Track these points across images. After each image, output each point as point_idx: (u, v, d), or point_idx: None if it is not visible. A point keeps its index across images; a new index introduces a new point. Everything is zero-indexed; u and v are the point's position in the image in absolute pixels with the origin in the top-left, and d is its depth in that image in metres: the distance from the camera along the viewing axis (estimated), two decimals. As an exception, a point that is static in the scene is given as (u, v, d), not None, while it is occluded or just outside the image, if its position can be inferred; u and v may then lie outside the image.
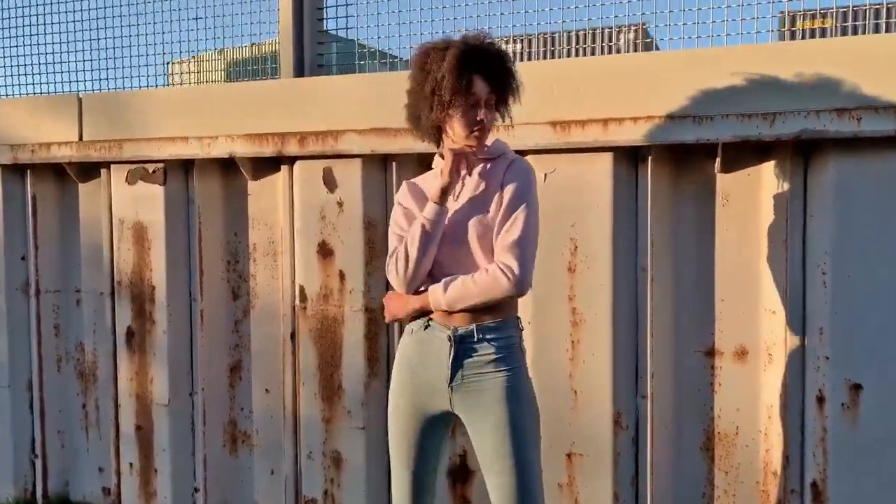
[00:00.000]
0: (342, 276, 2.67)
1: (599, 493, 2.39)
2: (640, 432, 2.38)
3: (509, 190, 1.79)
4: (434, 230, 1.80)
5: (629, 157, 2.34)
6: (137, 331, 3.04)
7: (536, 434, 1.85)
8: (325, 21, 2.89)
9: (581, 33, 3.37)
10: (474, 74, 1.76)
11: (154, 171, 2.95)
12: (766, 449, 2.29)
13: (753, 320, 2.28)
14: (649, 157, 2.28)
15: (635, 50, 3.16)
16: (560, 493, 2.43)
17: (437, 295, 1.79)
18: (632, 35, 3.20)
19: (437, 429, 1.92)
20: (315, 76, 2.89)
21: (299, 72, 2.86)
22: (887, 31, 2.53)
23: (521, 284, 1.74)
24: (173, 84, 3.71)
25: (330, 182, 2.68)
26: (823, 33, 2.65)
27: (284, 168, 2.81)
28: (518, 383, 1.81)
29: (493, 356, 1.81)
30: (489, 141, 1.89)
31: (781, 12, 2.59)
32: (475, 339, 1.80)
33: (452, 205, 1.86)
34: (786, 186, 2.18)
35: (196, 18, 3.23)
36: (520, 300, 1.87)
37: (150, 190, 2.97)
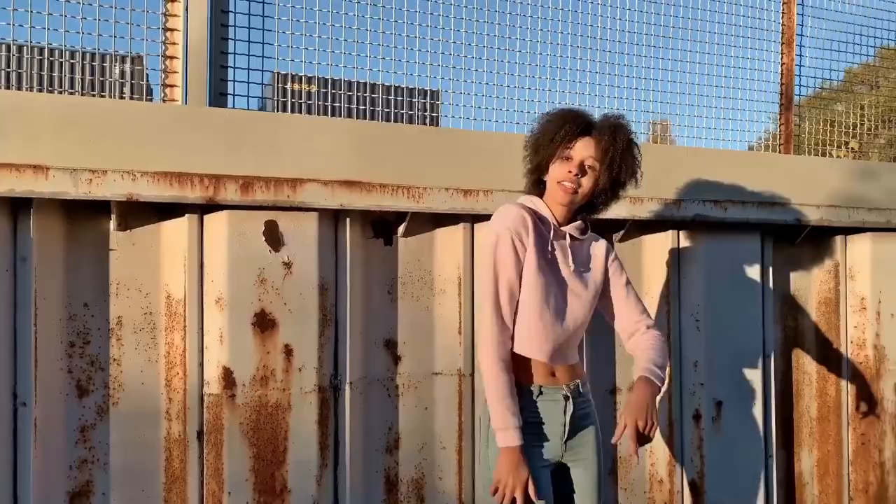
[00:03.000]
0: (289, 351, 2.22)
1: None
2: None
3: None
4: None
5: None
6: None
7: None
8: (232, 42, 2.34)
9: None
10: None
11: (-38, 213, 1.90)
12: (651, 463, 2.86)
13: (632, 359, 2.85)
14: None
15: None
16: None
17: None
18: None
19: None
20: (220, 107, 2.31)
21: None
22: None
23: None
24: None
25: (274, 239, 2.20)
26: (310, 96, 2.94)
27: (189, 217, 2.18)
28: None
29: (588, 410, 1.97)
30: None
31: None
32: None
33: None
34: (666, 255, 2.82)
35: None
36: None
37: (-52, 241, 1.89)
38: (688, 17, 3.32)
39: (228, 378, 2.16)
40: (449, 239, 2.51)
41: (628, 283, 2.02)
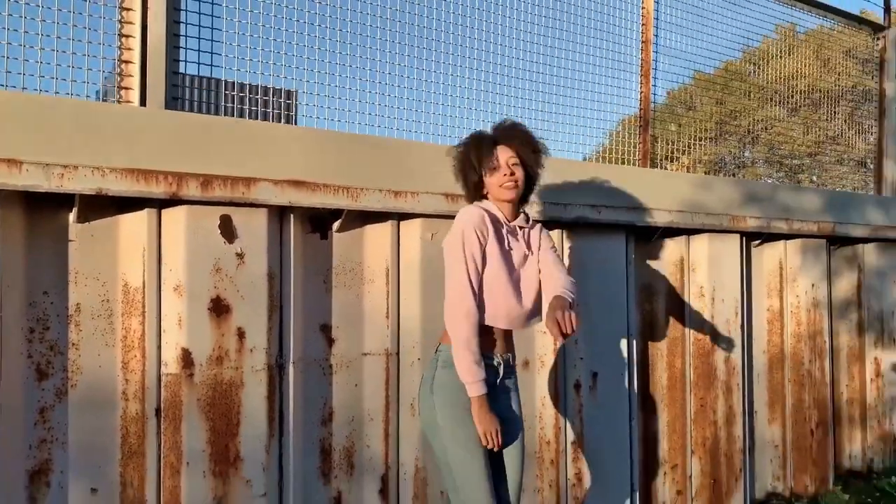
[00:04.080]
0: (241, 333, 2.45)
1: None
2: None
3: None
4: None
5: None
6: None
7: None
8: (183, 50, 2.52)
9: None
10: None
11: (-67, 203, 1.97)
12: (540, 427, 3.35)
13: (531, 340, 3.33)
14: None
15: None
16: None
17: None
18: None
19: None
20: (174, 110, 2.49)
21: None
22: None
23: None
24: None
25: (229, 232, 2.43)
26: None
27: (149, 211, 2.35)
28: None
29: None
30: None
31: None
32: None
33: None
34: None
35: None
36: None
37: (-81, 230, 1.96)
38: (562, 49, 3.88)
39: (187, 358, 2.37)
40: (377, 235, 2.85)
41: (553, 249, 2.45)
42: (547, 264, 2.38)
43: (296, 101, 3.22)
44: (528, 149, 2.34)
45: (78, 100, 2.41)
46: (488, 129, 2.38)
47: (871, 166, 5.76)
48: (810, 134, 5.44)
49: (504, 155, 2.30)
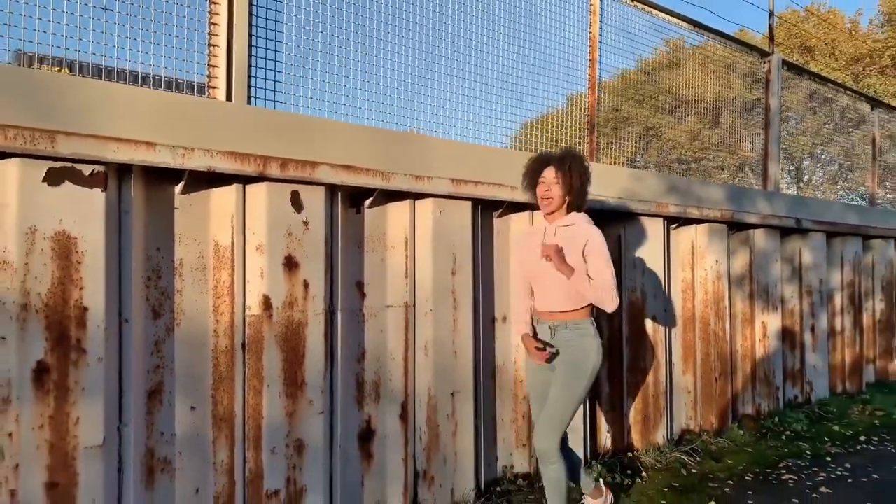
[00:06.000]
0: (306, 284, 3.09)
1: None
2: (472, 374, 3.86)
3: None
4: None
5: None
6: (55, 365, 2.43)
7: None
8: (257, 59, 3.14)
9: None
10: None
11: (93, 175, 2.51)
12: (514, 370, 4.14)
13: (505, 299, 4.11)
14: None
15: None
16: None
17: None
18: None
19: None
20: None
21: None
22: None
23: None
24: None
25: (297, 204, 3.07)
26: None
27: (237, 187, 2.96)
28: None
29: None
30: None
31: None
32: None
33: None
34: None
35: None
36: None
37: (81, 195, 2.49)
38: (521, 69, 4.69)
39: (267, 303, 2.99)
40: (399, 211, 3.56)
41: (592, 257, 3.16)
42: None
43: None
44: (569, 168, 3.15)
45: (189, 96, 2.98)
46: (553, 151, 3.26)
47: (749, 171, 6.96)
48: (696, 141, 6.47)
49: (548, 174, 3.16)
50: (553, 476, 3.08)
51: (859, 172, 8.17)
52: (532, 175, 3.21)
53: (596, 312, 3.29)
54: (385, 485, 3.50)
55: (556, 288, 3.14)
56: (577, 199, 3.20)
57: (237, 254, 2.98)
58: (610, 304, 3.04)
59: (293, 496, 3.03)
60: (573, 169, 3.15)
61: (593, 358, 3.12)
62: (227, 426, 2.97)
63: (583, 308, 3.16)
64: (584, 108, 4.66)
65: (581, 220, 3.20)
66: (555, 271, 3.10)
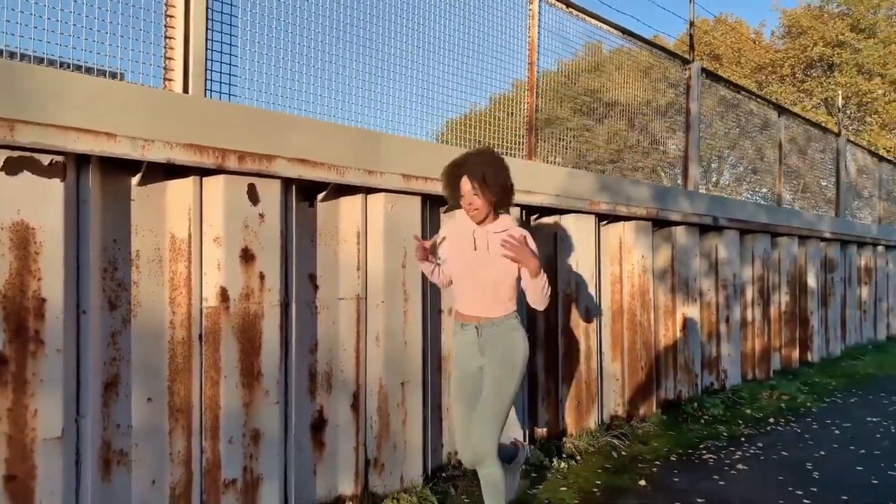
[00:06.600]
0: (262, 276, 3.13)
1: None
2: (419, 364, 3.98)
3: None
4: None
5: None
6: (12, 357, 2.39)
7: None
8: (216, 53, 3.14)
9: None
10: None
11: (52, 164, 2.48)
12: (459, 361, 4.29)
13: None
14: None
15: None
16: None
17: None
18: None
19: None
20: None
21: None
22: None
23: None
24: None
25: (254, 197, 3.10)
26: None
27: (194, 179, 2.97)
28: None
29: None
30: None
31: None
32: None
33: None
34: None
35: None
36: None
37: (40, 185, 2.46)
38: (468, 71, 4.85)
39: (224, 295, 3.02)
40: (351, 205, 3.64)
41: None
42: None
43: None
44: (486, 175, 2.96)
45: (150, 87, 2.96)
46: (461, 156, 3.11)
47: (662, 173, 7.37)
48: (612, 143, 6.78)
49: (465, 187, 2.99)
50: (491, 479, 2.99)
51: (762, 175, 8.76)
52: (451, 188, 3.07)
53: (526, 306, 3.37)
54: (337, 472, 3.58)
55: (481, 293, 3.06)
56: (502, 202, 3.10)
57: (194, 246, 2.99)
58: (544, 305, 3.12)
59: (250, 485, 3.07)
60: (488, 177, 2.98)
61: (522, 349, 3.08)
62: (184, 417, 2.98)
63: (509, 305, 3.12)
64: (523, 110, 4.86)
65: (512, 224, 3.15)
66: (482, 276, 3.04)
